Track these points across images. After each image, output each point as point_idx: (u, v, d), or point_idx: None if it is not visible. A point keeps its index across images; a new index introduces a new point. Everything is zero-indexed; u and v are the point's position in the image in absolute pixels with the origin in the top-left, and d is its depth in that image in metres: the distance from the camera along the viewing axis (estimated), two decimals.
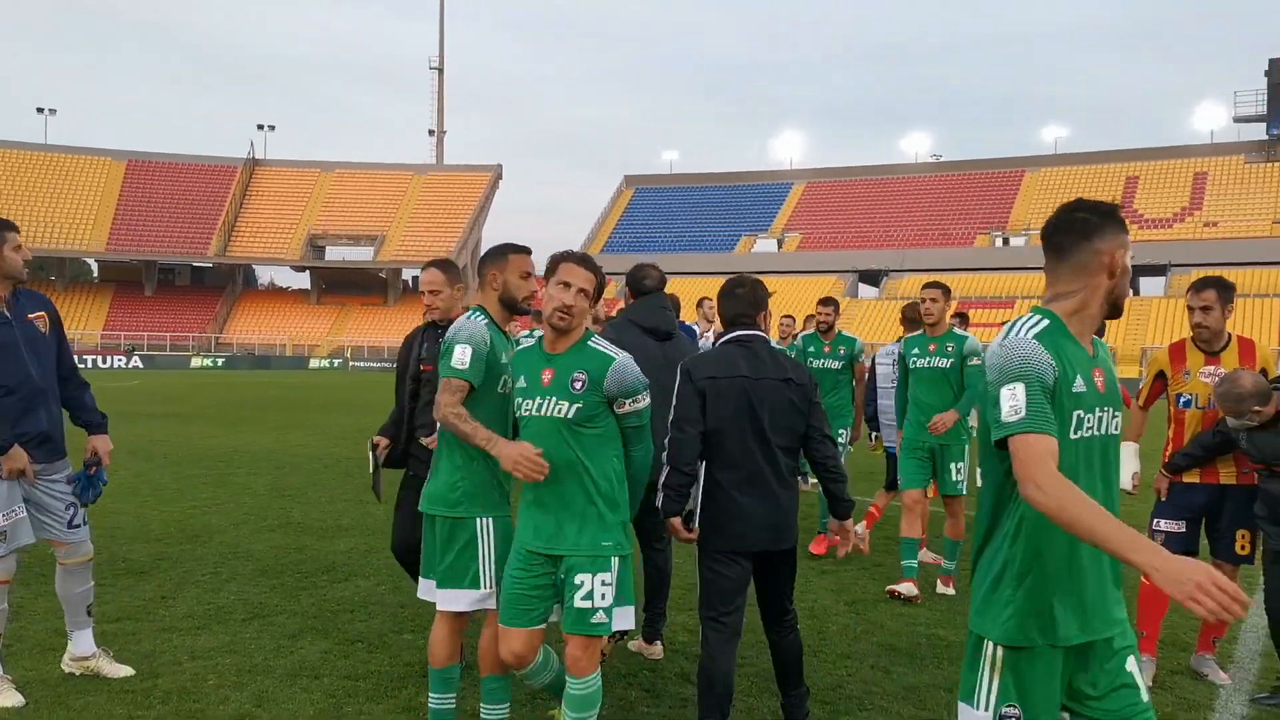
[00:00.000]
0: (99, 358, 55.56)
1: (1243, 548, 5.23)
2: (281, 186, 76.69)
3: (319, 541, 8.39)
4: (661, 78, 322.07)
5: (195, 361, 59.08)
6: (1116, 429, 2.68)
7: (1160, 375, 5.51)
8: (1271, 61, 65.57)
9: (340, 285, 75.76)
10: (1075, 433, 2.54)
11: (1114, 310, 2.64)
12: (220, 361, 60.23)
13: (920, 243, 66.75)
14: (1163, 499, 5.36)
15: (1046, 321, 2.58)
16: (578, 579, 3.64)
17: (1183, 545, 5.19)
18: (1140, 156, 69.44)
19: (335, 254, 76.04)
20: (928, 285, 7.13)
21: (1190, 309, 5.32)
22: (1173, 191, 65.74)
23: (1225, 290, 5.22)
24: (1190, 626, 5.88)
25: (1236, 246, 59.13)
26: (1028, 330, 2.55)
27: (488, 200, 76.64)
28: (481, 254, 4.17)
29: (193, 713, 4.47)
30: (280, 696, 4.69)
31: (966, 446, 7.16)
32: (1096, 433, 2.59)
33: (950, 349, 7.02)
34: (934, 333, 7.12)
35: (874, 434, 8.92)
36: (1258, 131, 67.11)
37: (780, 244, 72.60)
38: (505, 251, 4.11)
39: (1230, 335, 5.36)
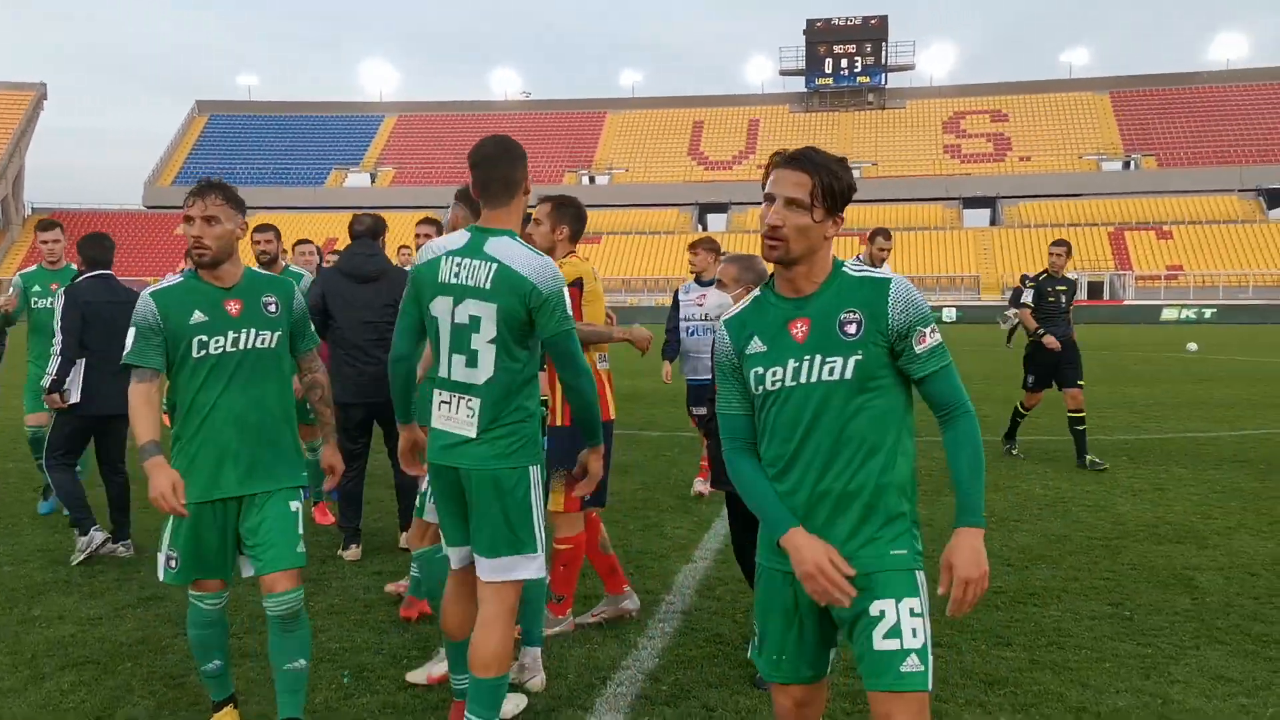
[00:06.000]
0: None
1: None
2: None
3: None
4: None
5: None
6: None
7: None
8: (809, 21, 74.85)
9: None
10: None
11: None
12: None
13: None
14: None
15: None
16: None
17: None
18: (705, 103, 76.48)
19: None
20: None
21: None
22: (732, 136, 73.29)
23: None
24: None
25: None
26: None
27: (30, 123, 67.11)
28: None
29: None
30: None
31: None
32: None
33: None
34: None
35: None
36: (799, 84, 76.52)
37: (374, 178, 71.23)
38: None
39: None
